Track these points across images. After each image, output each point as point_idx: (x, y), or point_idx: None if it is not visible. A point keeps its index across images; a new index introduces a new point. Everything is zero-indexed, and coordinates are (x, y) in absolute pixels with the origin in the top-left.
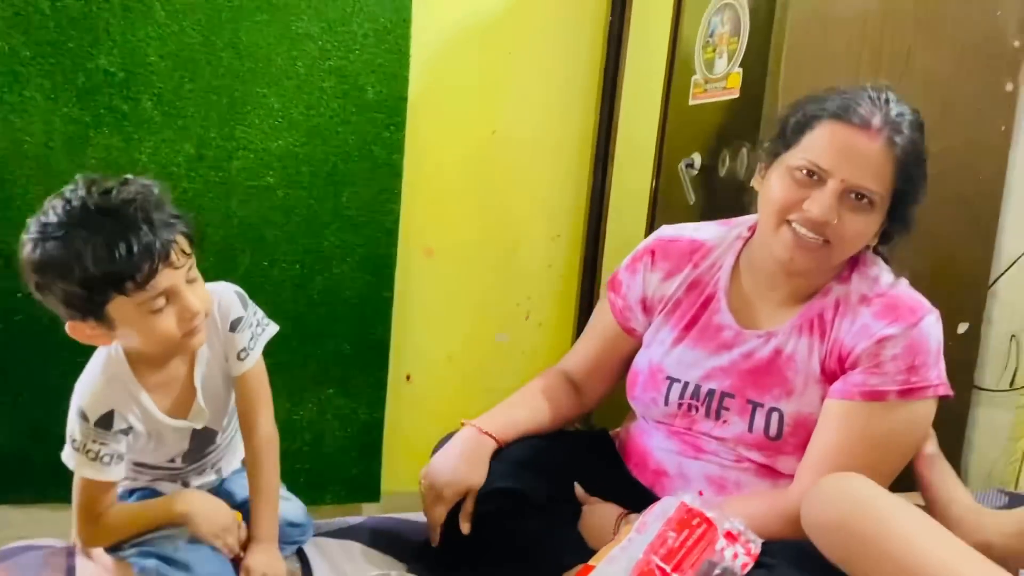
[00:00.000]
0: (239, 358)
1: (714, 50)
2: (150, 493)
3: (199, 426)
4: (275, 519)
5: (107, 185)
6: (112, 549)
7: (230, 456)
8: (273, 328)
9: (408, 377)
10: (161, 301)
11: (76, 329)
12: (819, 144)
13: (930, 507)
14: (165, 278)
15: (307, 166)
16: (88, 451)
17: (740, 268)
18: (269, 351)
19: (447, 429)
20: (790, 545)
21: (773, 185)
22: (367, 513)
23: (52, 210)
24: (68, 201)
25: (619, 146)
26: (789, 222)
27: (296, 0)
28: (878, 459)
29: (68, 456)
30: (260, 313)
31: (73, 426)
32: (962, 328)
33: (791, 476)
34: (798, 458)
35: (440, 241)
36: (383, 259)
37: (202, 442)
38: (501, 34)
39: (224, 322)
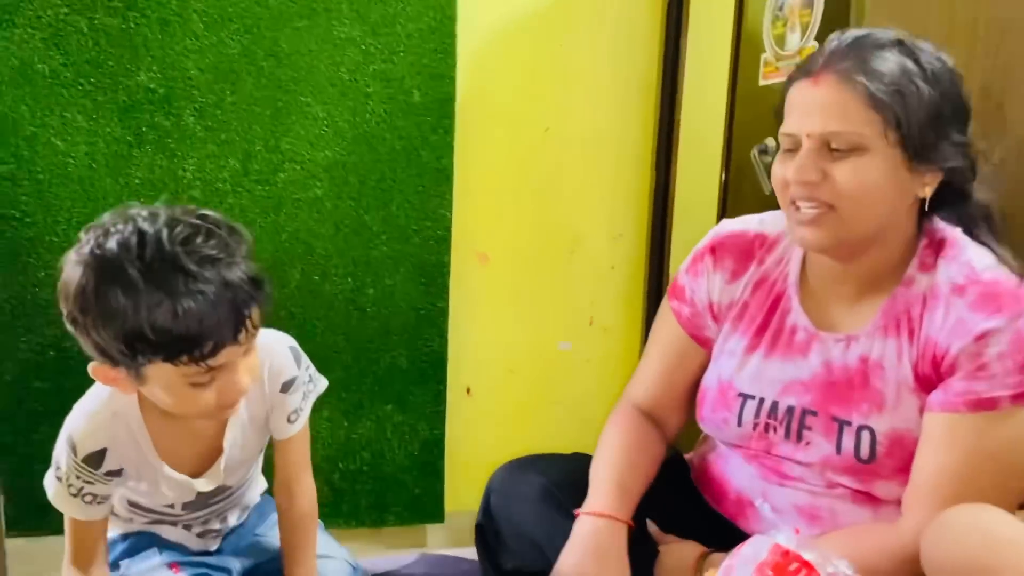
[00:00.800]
0: (289, 420)
1: (785, 24)
2: (147, 538)
3: (208, 488)
4: None
5: (189, 230)
6: None
7: (238, 509)
8: (323, 384)
9: (468, 391)
10: (211, 377)
11: (100, 372)
12: (787, 113)
13: None
14: (224, 355)
15: (355, 175)
16: (70, 485)
17: (809, 264)
18: (326, 368)
19: (510, 444)
20: None
21: (773, 169)
22: (431, 535)
23: (117, 240)
24: (141, 236)
25: (683, 135)
26: (794, 203)
27: (337, 3)
28: (998, 479)
29: (49, 482)
30: (312, 368)
31: (60, 453)
32: None
33: (894, 502)
34: (898, 482)
35: (495, 246)
36: (436, 268)
37: (209, 495)
38: (551, 25)
39: (274, 383)
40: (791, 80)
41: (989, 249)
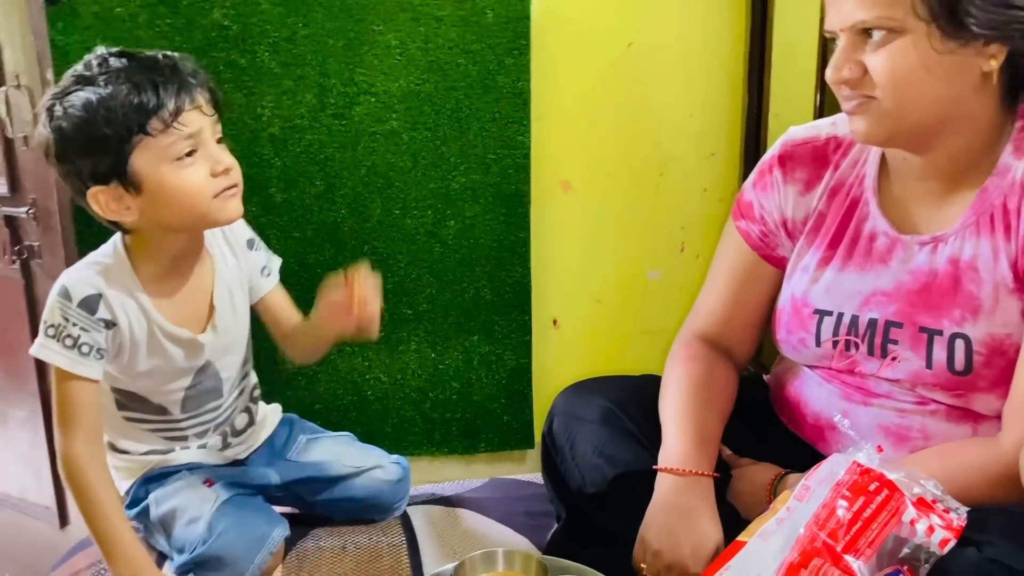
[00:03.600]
0: (263, 274)
1: None
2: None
3: (208, 341)
4: None
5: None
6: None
7: (242, 410)
8: (278, 258)
9: (555, 322)
10: (189, 146)
11: (98, 200)
12: (828, 10)
13: None
14: (194, 119)
15: (429, 105)
16: (66, 336)
17: (888, 162)
18: (411, 301)
19: (598, 373)
20: (1007, 513)
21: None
22: (522, 461)
23: (67, 76)
24: (85, 63)
25: (776, 48)
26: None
27: None
28: None
29: (39, 346)
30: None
31: (51, 310)
32: None
33: (995, 418)
34: (999, 395)
35: (578, 173)
36: (516, 197)
37: (205, 387)
38: None
39: (239, 241)
40: None
41: None
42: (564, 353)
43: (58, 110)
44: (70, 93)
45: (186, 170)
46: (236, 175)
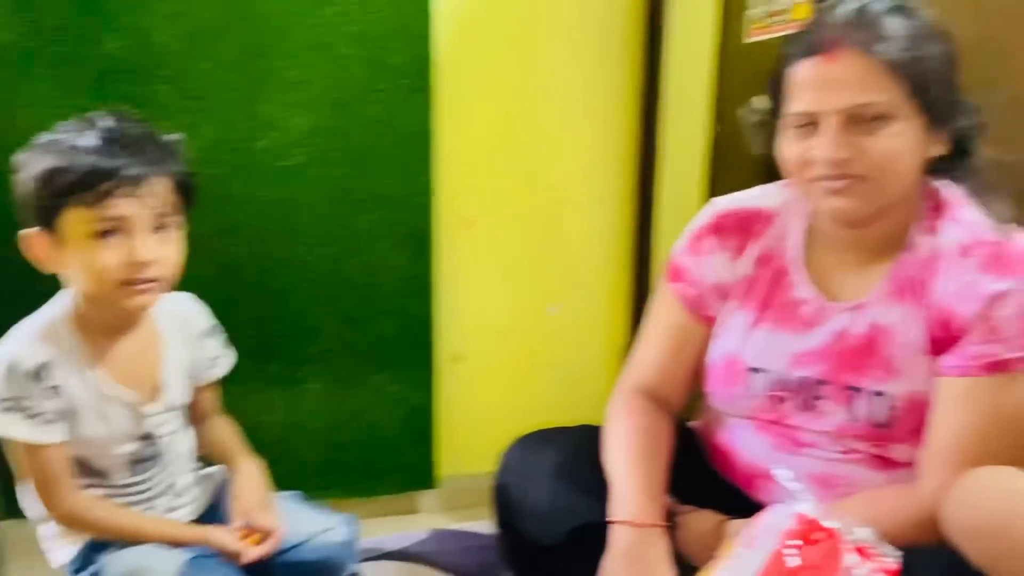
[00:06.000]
0: (211, 365)
1: None
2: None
3: (152, 412)
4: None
5: (120, 113)
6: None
7: (184, 471)
8: (232, 354)
9: (458, 357)
10: (107, 227)
11: (27, 239)
12: (797, 91)
13: None
14: (124, 206)
15: (335, 141)
16: (22, 408)
17: (812, 233)
18: (313, 340)
19: (502, 409)
20: (933, 554)
21: (782, 147)
22: (423, 502)
23: (74, 121)
24: (91, 118)
25: (668, 96)
26: (814, 179)
27: None
28: (1014, 440)
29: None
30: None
31: (1, 385)
32: None
33: (908, 464)
34: (913, 444)
35: (480, 211)
36: (421, 234)
37: (148, 452)
38: None
39: (196, 326)
40: (790, 59)
41: (987, 206)
42: (467, 389)
43: (39, 145)
44: (56, 133)
45: (101, 247)
46: (156, 271)
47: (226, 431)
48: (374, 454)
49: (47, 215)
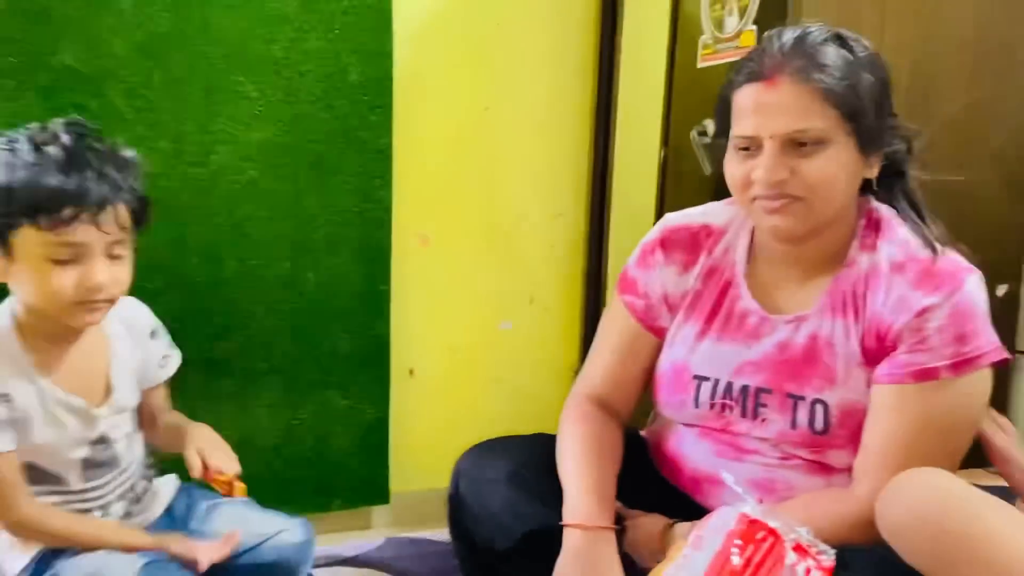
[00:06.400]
0: (159, 365)
1: (723, 7)
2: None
3: (104, 416)
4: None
5: (86, 130)
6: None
7: (138, 476)
8: (179, 353)
9: (411, 372)
10: (67, 254)
11: None
12: (739, 116)
13: (1011, 481)
14: (83, 233)
15: (291, 156)
16: None
17: (756, 248)
18: (266, 354)
19: (454, 424)
20: (867, 553)
21: (726, 168)
22: (376, 517)
23: (28, 131)
24: (43, 128)
25: (621, 117)
26: (754, 197)
27: None
28: (943, 443)
29: None
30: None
31: None
32: (1001, 290)
33: (844, 469)
34: (849, 451)
35: (436, 228)
36: (377, 250)
37: (102, 457)
38: (488, 2)
39: (143, 328)
40: (734, 84)
41: (920, 225)
42: (420, 403)
43: None
44: (15, 143)
45: (56, 271)
46: (109, 292)
47: (176, 414)
48: (327, 469)
49: (2, 232)
